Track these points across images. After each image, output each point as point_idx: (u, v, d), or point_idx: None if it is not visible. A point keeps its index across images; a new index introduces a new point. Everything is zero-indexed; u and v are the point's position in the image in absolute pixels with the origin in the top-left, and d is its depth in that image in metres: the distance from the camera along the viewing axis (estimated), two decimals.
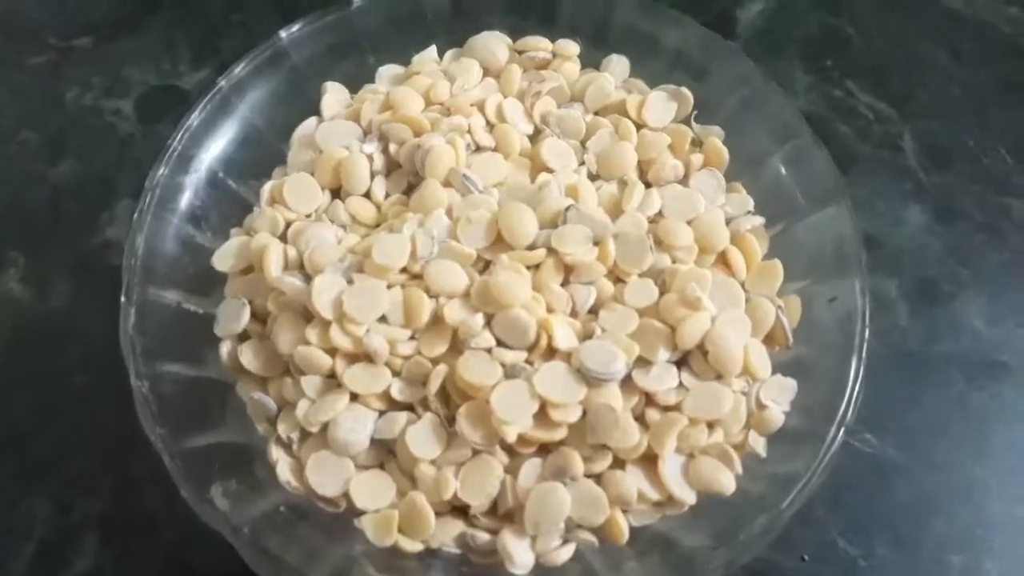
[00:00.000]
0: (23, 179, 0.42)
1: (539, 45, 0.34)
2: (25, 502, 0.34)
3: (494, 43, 0.34)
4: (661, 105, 0.33)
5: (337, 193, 0.32)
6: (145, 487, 0.34)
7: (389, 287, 0.28)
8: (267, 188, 0.31)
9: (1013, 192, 0.42)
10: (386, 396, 0.27)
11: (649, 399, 0.27)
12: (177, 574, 0.33)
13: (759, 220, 0.31)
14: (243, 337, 0.29)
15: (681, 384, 0.27)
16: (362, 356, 0.27)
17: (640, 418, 0.27)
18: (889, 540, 0.34)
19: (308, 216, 0.31)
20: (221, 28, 0.46)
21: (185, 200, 0.31)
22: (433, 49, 0.35)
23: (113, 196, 0.41)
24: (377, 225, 0.30)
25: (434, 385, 0.27)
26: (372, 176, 0.31)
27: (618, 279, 0.29)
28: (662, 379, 0.27)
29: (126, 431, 0.32)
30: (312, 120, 0.33)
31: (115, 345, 0.33)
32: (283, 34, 0.32)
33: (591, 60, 0.35)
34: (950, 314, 0.39)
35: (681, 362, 0.28)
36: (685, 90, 0.33)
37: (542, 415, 0.26)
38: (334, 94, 0.34)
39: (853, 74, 0.45)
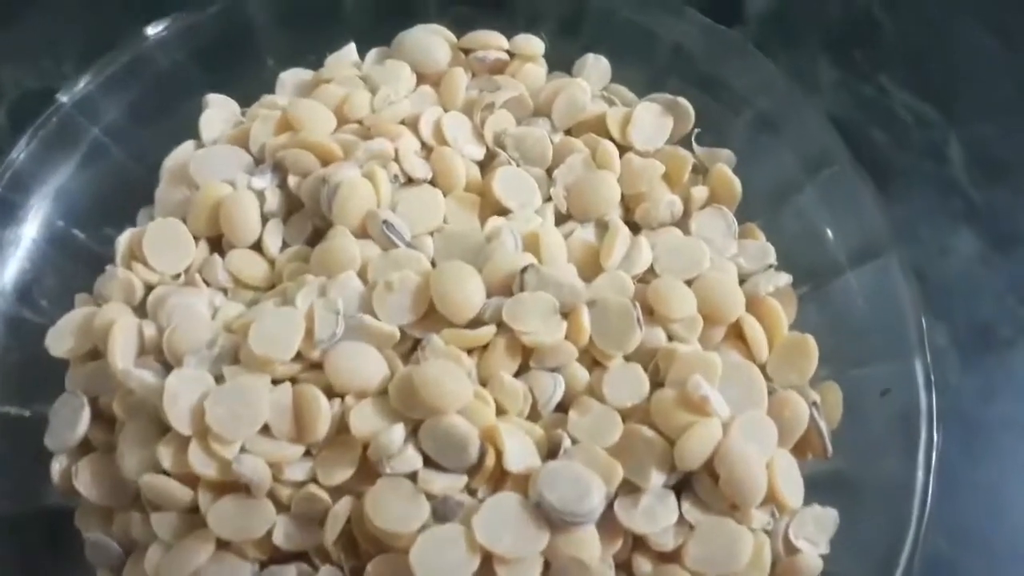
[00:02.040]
0: None
1: (491, 42, 0.30)
2: None
3: (431, 40, 0.30)
4: (653, 121, 0.29)
5: (217, 244, 0.28)
6: None
7: (275, 383, 0.23)
8: (123, 240, 0.27)
9: None
10: (267, 542, 0.23)
11: (638, 543, 0.23)
12: None
13: (785, 279, 0.27)
14: (85, 448, 0.24)
15: (682, 519, 0.23)
16: (234, 486, 0.23)
17: (625, 569, 0.23)
18: None
19: (176, 277, 0.27)
20: (118, 20, 0.40)
21: (10, 265, 0.27)
22: (352, 48, 0.31)
23: None
24: (270, 287, 0.26)
25: (334, 529, 0.22)
26: (264, 220, 0.27)
27: (595, 364, 0.25)
28: (656, 514, 0.23)
29: None
30: (188, 145, 0.29)
31: None
32: (149, 31, 0.28)
33: (560, 60, 0.32)
34: (1010, 367, 0.35)
35: (682, 487, 0.24)
36: (684, 101, 0.29)
37: (486, 572, 0.22)
38: (217, 110, 0.30)
39: (887, 67, 0.41)
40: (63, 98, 0.27)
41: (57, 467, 0.24)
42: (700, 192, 0.28)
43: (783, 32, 0.42)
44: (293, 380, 0.23)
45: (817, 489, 0.25)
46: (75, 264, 0.28)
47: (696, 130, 0.30)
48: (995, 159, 0.39)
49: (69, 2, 0.41)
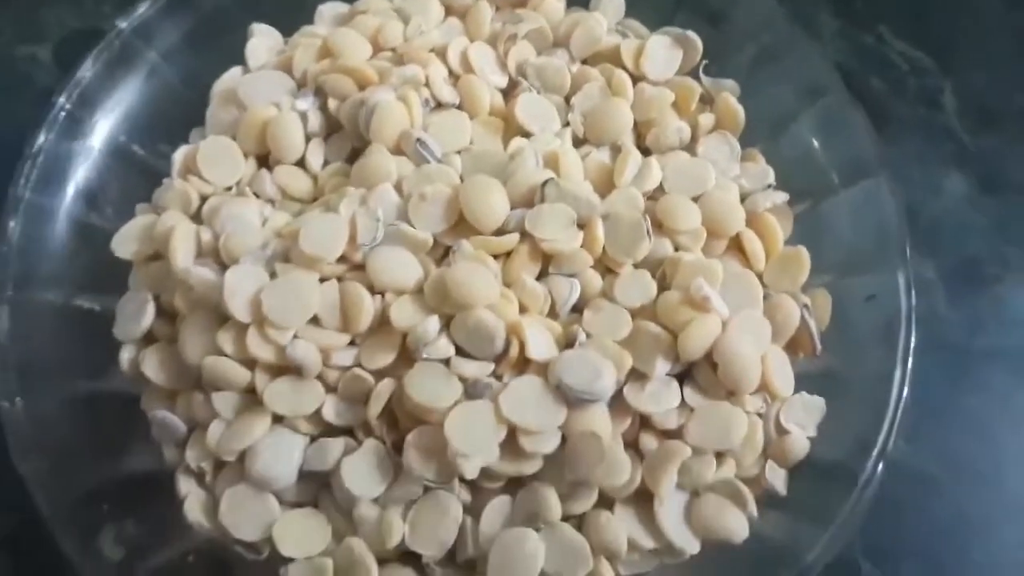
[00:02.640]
0: None
1: None
2: None
3: None
4: (663, 53, 0.31)
5: (264, 161, 0.29)
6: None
7: (322, 281, 0.25)
8: (179, 155, 0.29)
9: None
10: (317, 418, 0.25)
11: (644, 422, 0.25)
12: None
13: (782, 197, 0.28)
14: (149, 340, 0.27)
15: (684, 404, 0.25)
16: (287, 368, 0.25)
17: (633, 446, 0.25)
18: (919, 565, 0.33)
19: (228, 190, 0.28)
20: None
21: (78, 174, 0.28)
22: None
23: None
24: (313, 200, 0.28)
25: (377, 405, 0.24)
26: (307, 140, 0.29)
27: (608, 270, 0.27)
28: (660, 398, 0.25)
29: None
30: (236, 71, 0.31)
31: None
32: None
33: None
34: (995, 301, 0.37)
35: (684, 376, 0.26)
36: (692, 34, 0.31)
37: (511, 444, 0.24)
38: (262, 38, 0.31)
39: (886, 17, 0.42)
40: (122, 24, 0.29)
41: (126, 356, 0.26)
42: (706, 119, 0.30)
43: None
44: (339, 279, 0.25)
45: (807, 382, 0.26)
46: (135, 176, 0.29)
47: (704, 62, 0.31)
48: (987, 107, 0.40)
49: None
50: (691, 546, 0.24)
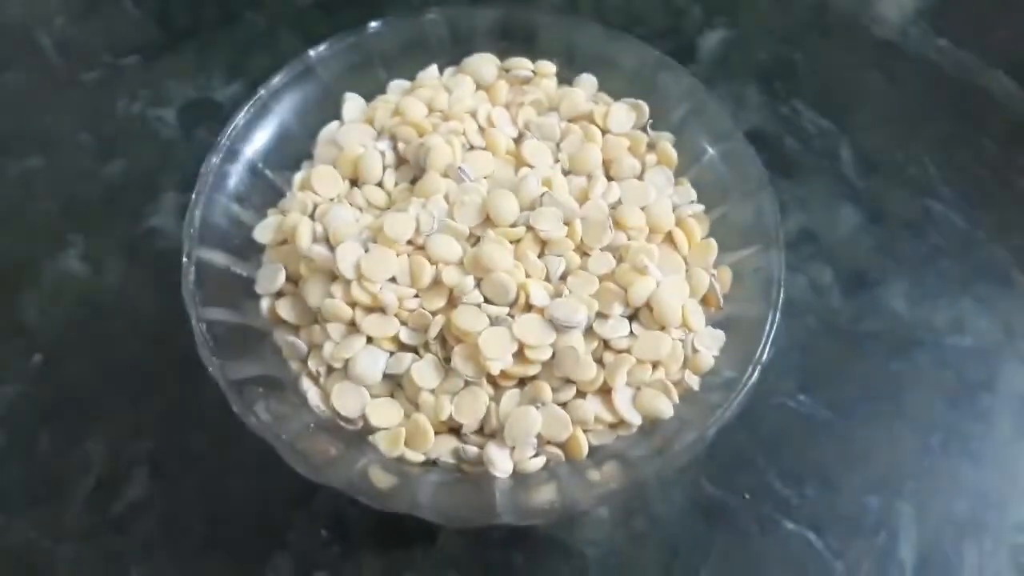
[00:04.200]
0: (80, 175, 0.47)
1: (522, 64, 0.37)
2: (82, 446, 0.39)
3: (485, 63, 0.37)
4: (622, 115, 0.36)
5: (355, 183, 0.35)
6: (186, 431, 0.39)
7: (398, 255, 0.31)
8: (298, 177, 0.35)
9: (933, 195, 0.47)
10: (396, 340, 0.31)
11: (606, 344, 0.31)
12: (213, 500, 0.38)
13: (699, 207, 0.35)
14: (279, 295, 0.33)
15: (632, 333, 0.31)
16: (377, 308, 0.31)
17: (598, 359, 0.31)
18: (817, 483, 0.38)
19: (331, 200, 0.34)
20: (248, 50, 0.51)
21: (232, 184, 0.34)
22: (434, 67, 0.38)
23: (158, 190, 0.46)
24: (387, 208, 0.34)
25: (434, 331, 0.30)
26: (384, 169, 0.34)
27: (583, 253, 0.32)
28: (616, 329, 0.31)
29: (168, 387, 0.39)
30: (335, 123, 0.37)
31: (163, 314, 0.38)
32: (311, 53, 0.36)
33: (565, 77, 0.38)
34: (876, 298, 0.43)
35: (632, 317, 0.31)
36: (642, 103, 0.36)
37: (520, 355, 0.30)
38: (352, 102, 0.37)
39: (799, 94, 0.49)
40: (262, 91, 0.35)
41: (265, 303, 0.32)
42: (651, 158, 0.35)
43: (725, 68, 0.50)
44: (408, 254, 0.31)
45: (714, 324, 0.32)
46: (267, 189, 0.35)
47: (649, 120, 0.36)
48: (872, 159, 0.47)
49: (212, 42, 0.51)
50: (636, 420, 0.30)
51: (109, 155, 0.46)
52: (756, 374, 0.31)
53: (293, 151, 0.36)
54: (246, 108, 0.34)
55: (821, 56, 0.51)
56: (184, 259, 0.32)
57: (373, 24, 0.38)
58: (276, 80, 0.35)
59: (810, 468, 0.38)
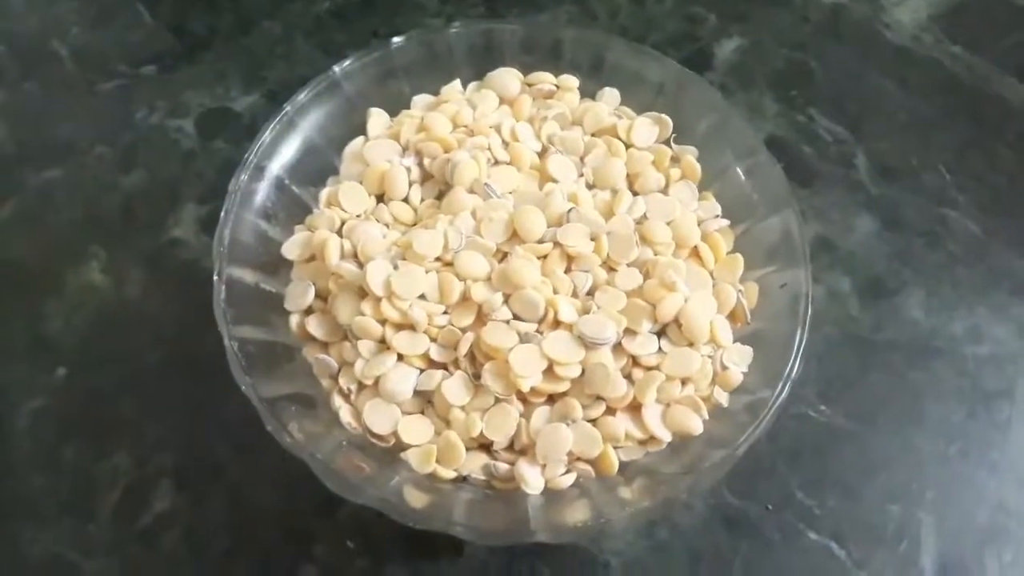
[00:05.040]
0: (100, 186, 0.47)
1: (546, 79, 0.38)
2: (108, 458, 0.40)
3: (509, 77, 0.38)
4: (646, 129, 0.37)
5: (381, 198, 0.35)
6: (211, 443, 0.40)
7: (427, 272, 0.31)
8: (324, 193, 0.35)
9: (949, 204, 0.47)
10: (426, 357, 0.31)
11: (635, 361, 0.31)
12: (239, 511, 0.38)
13: (725, 222, 0.35)
14: (308, 312, 0.33)
15: (660, 350, 0.31)
16: (407, 326, 0.31)
17: (628, 375, 0.31)
18: (839, 493, 0.39)
19: (358, 216, 0.34)
20: (266, 60, 0.51)
21: (259, 201, 0.34)
22: (458, 82, 0.38)
23: (178, 201, 0.46)
24: (413, 224, 0.34)
25: (463, 348, 0.31)
26: (410, 185, 0.35)
27: (610, 268, 0.32)
28: (645, 345, 0.31)
29: (191, 398, 0.40)
30: (360, 139, 0.37)
31: (183, 325, 0.40)
32: (336, 68, 0.36)
33: (589, 91, 0.39)
34: (894, 306, 0.43)
35: (660, 332, 0.32)
36: (665, 116, 0.37)
37: (550, 372, 0.30)
38: (378, 117, 0.38)
39: (815, 102, 0.50)
40: (287, 107, 0.35)
41: (294, 320, 0.33)
42: (675, 172, 0.36)
43: (741, 77, 0.50)
44: (437, 271, 0.31)
45: (741, 339, 0.33)
46: (293, 204, 0.35)
47: (673, 135, 0.36)
48: (889, 166, 0.47)
49: (230, 51, 0.51)
50: (666, 437, 0.30)
51: (128, 166, 0.47)
52: (786, 391, 0.31)
53: (319, 166, 0.37)
54: (272, 124, 0.35)
55: (836, 63, 0.51)
56: (215, 277, 0.32)
57: (397, 39, 0.38)
58: (302, 95, 0.36)
59: (831, 478, 0.39)
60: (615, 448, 0.31)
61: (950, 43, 0.52)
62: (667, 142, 0.37)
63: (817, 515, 0.38)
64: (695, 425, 0.31)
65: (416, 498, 0.29)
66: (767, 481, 0.39)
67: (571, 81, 0.38)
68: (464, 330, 0.31)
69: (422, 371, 0.31)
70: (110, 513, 0.38)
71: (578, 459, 0.31)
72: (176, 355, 0.42)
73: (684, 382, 0.31)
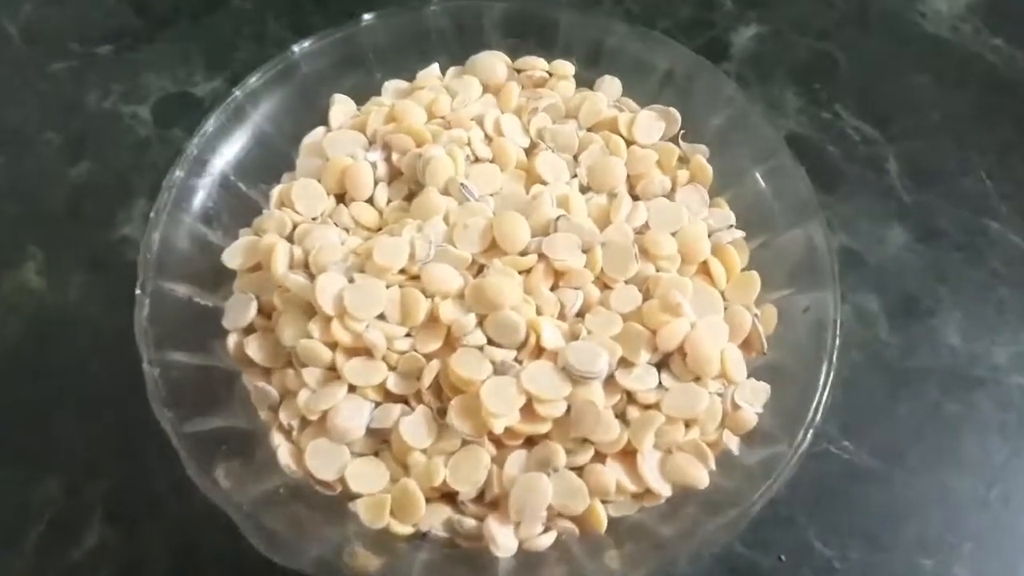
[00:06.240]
0: (44, 177, 0.44)
1: (536, 64, 0.36)
2: (38, 481, 0.36)
3: (494, 61, 0.36)
4: (650, 123, 0.35)
5: (342, 198, 0.33)
6: (152, 469, 0.36)
7: (388, 286, 0.29)
8: (276, 192, 0.33)
9: (990, 213, 0.43)
10: (382, 388, 0.29)
11: (630, 397, 0.29)
12: (179, 552, 0.35)
13: (739, 234, 0.33)
14: (249, 330, 0.31)
15: (660, 384, 0.29)
16: (361, 350, 0.29)
17: (621, 415, 0.29)
18: (863, 543, 0.35)
19: (314, 219, 0.32)
20: (234, 40, 0.48)
21: (198, 201, 0.32)
22: (436, 66, 0.36)
23: (129, 196, 0.43)
24: (378, 229, 0.32)
25: (427, 379, 0.28)
26: (375, 183, 0.33)
27: (604, 285, 0.31)
28: (643, 379, 0.29)
29: (136, 415, 0.34)
30: (320, 129, 0.35)
31: (127, 335, 0.35)
32: (295, 48, 0.34)
33: (585, 80, 0.36)
34: (928, 329, 0.40)
35: (661, 364, 0.29)
36: (673, 110, 0.35)
37: (528, 409, 0.28)
38: (341, 105, 0.35)
39: (840, 97, 0.46)
40: (237, 92, 0.33)
41: (232, 340, 0.30)
42: (683, 174, 0.34)
43: (759, 68, 0.47)
44: (400, 285, 0.29)
45: (756, 373, 0.30)
46: (239, 205, 0.33)
47: (681, 131, 0.34)
48: (923, 170, 0.44)
49: (194, 30, 0.47)
50: (665, 491, 0.28)
51: (77, 155, 0.44)
52: (809, 438, 0.28)
53: (272, 161, 0.34)
54: (217, 112, 0.33)
55: (865, 55, 0.48)
56: (137, 291, 0.29)
57: (367, 16, 0.35)
58: (254, 79, 0.33)
59: (855, 525, 0.36)
60: (604, 503, 0.28)
61: (991, 34, 0.49)
62: (674, 139, 0.35)
63: (838, 568, 0.35)
64: (700, 477, 0.29)
65: (365, 559, 0.27)
66: (781, 528, 0.35)
67: (565, 68, 0.36)
68: (429, 357, 0.29)
69: (377, 405, 0.29)
70: (34, 545, 0.35)
71: (559, 515, 0.28)
72: (117, 369, 0.37)
73: (688, 424, 0.29)
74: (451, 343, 0.29)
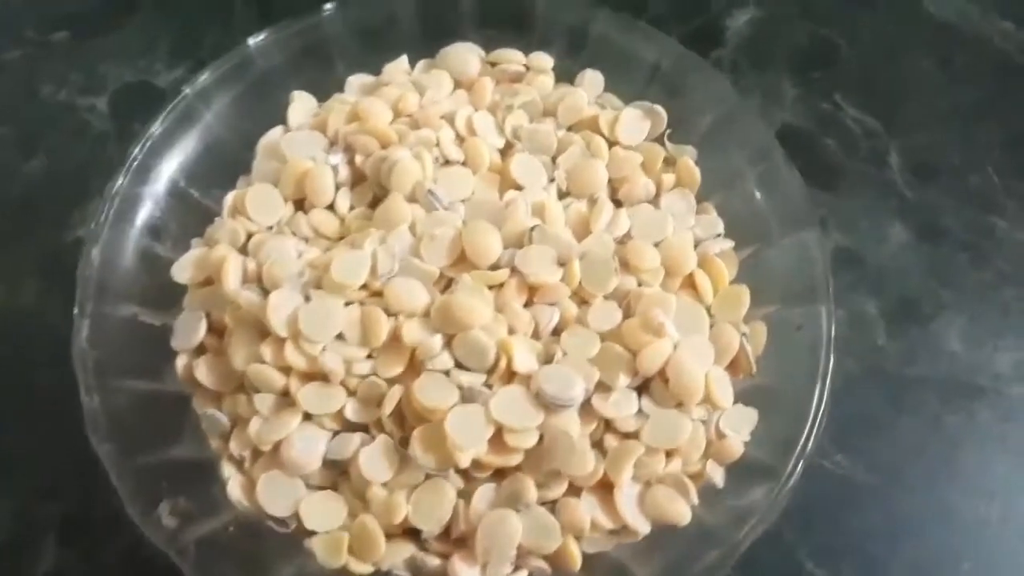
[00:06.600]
0: None
1: (512, 57, 0.35)
2: None
3: (466, 54, 0.35)
4: (635, 123, 0.34)
5: (301, 204, 0.32)
6: (109, 488, 0.34)
7: (347, 304, 0.28)
8: (229, 198, 0.32)
9: (998, 211, 0.42)
10: (340, 416, 0.28)
11: (608, 425, 0.28)
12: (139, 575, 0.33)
13: (728, 244, 0.32)
14: (200, 351, 0.30)
15: (640, 411, 0.28)
16: (317, 375, 0.28)
17: (598, 444, 0.28)
18: (857, 563, 0.35)
19: (270, 228, 0.31)
20: (202, 26, 0.46)
21: (145, 211, 0.31)
22: (404, 59, 0.35)
23: (86, 194, 0.41)
24: (340, 238, 0.31)
25: (389, 407, 0.27)
26: (336, 188, 0.31)
27: (582, 301, 0.29)
28: (621, 405, 0.28)
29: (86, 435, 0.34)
30: (278, 129, 0.34)
31: None
32: (251, 41, 0.33)
33: (565, 74, 0.35)
34: (928, 335, 0.39)
35: (642, 388, 0.28)
36: (659, 108, 0.33)
37: (497, 440, 0.27)
38: (301, 103, 0.34)
39: (841, 86, 0.45)
40: (186, 90, 0.31)
41: (181, 362, 0.29)
42: (669, 178, 0.33)
43: (755, 55, 0.45)
44: (361, 303, 0.28)
45: (743, 397, 0.29)
46: (191, 214, 0.32)
47: (668, 130, 0.34)
48: (926, 165, 0.43)
49: (159, 14, 0.46)
50: (643, 527, 0.27)
51: (29, 151, 0.42)
52: (800, 468, 0.27)
53: (226, 165, 0.33)
54: (164, 113, 0.31)
55: (867, 41, 0.47)
56: (75, 311, 0.28)
57: (328, 5, 0.33)
58: (205, 76, 0.32)
59: (849, 545, 0.35)
60: (578, 540, 0.27)
61: (1000, 18, 0.47)
62: (660, 140, 0.34)
63: None
64: (681, 512, 0.27)
65: None
66: (770, 549, 0.33)
67: (544, 61, 0.35)
68: (391, 382, 0.27)
69: (335, 435, 0.28)
70: None
71: (530, 553, 0.27)
72: (73, 381, 0.36)
73: (669, 455, 0.28)
74: (415, 367, 0.28)
